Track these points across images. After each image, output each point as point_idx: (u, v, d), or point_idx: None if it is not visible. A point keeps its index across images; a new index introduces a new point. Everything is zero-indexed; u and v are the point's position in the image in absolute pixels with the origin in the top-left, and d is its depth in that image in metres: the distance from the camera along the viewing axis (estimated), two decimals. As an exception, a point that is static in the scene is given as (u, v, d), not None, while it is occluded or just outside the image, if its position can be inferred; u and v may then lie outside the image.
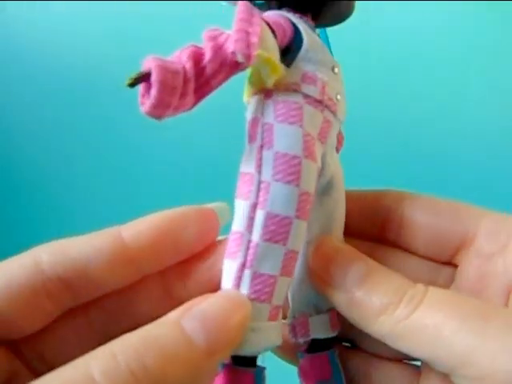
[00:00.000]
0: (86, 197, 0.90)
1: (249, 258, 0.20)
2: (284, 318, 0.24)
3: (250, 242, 0.20)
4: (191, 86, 0.18)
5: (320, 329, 0.24)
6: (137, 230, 0.21)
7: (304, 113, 0.21)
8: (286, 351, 0.27)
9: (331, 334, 0.24)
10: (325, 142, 0.23)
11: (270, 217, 0.20)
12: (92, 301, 0.21)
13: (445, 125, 0.80)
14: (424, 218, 0.25)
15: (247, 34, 0.19)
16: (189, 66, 0.18)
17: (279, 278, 0.21)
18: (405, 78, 0.70)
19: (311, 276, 0.23)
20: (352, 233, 0.26)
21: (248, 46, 0.18)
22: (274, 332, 0.21)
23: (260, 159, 0.20)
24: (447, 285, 0.25)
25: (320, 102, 0.22)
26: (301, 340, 0.24)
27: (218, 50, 0.19)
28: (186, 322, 0.17)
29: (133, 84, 0.18)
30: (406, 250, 0.26)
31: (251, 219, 0.20)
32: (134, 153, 0.86)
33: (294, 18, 0.22)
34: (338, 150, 0.25)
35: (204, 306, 0.18)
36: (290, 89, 0.21)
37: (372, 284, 0.22)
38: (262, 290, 0.20)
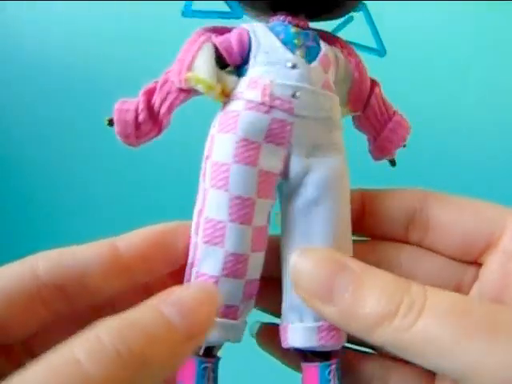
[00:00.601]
0: (83, 198, 0.90)
1: (195, 259, 0.23)
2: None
3: (196, 244, 0.23)
4: (143, 116, 0.23)
5: (300, 338, 0.23)
6: (131, 241, 0.23)
7: (239, 120, 0.22)
8: (286, 357, 0.27)
9: (316, 346, 0.23)
10: (283, 144, 0.23)
11: (207, 221, 0.23)
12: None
13: (445, 124, 0.79)
14: (450, 219, 0.25)
15: (182, 62, 0.23)
16: (141, 100, 0.23)
17: (221, 278, 0.23)
18: (405, 77, 0.70)
19: (295, 291, 0.23)
20: (376, 234, 0.26)
21: (179, 72, 0.23)
22: (218, 329, 0.23)
23: (204, 168, 0.23)
24: (471, 284, 0.25)
25: (263, 104, 0.22)
26: (284, 346, 0.24)
27: (163, 82, 0.23)
28: (164, 307, 0.18)
29: (109, 124, 0.23)
30: (431, 250, 0.26)
31: (198, 224, 0.23)
32: (134, 155, 0.87)
33: (261, 25, 0.24)
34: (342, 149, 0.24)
35: (179, 293, 0.19)
36: (236, 98, 0.23)
37: (361, 294, 0.21)
38: None
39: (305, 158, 0.23)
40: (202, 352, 0.23)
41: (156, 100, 0.23)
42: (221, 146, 0.23)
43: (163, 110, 0.23)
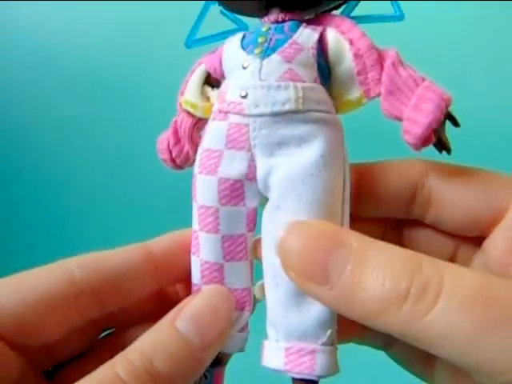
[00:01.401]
0: (85, 194, 0.87)
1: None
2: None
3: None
4: (172, 142, 0.26)
5: (271, 359, 0.21)
6: (164, 245, 0.25)
7: (207, 132, 0.23)
8: None
9: (283, 370, 0.21)
10: (245, 148, 0.22)
11: (192, 232, 0.23)
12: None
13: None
14: (454, 194, 0.22)
15: (181, 90, 0.25)
16: (171, 128, 0.26)
17: (202, 286, 0.23)
18: None
19: (287, 272, 0.20)
20: (376, 211, 0.24)
21: (179, 98, 0.25)
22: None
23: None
24: (469, 258, 0.23)
25: (220, 111, 0.22)
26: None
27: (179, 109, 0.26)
28: (179, 323, 0.21)
29: None
30: (432, 226, 0.24)
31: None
32: (135, 155, 0.80)
33: (239, 34, 0.23)
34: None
35: (193, 305, 0.21)
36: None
37: (364, 272, 0.17)
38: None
39: (268, 158, 0.22)
40: None
41: (178, 126, 0.26)
42: (197, 159, 0.24)
43: (182, 133, 0.26)
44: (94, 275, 0.23)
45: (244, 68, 0.22)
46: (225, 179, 0.22)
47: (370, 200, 0.23)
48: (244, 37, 0.23)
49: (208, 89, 0.25)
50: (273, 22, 0.23)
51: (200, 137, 0.27)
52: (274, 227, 0.21)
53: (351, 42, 0.22)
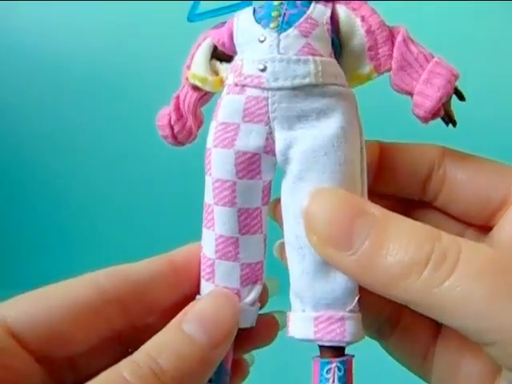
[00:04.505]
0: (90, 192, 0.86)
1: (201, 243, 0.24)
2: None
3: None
4: (174, 118, 0.26)
5: (299, 329, 0.22)
6: (187, 256, 0.25)
7: (220, 106, 0.23)
8: None
9: (313, 339, 0.21)
10: (264, 120, 0.22)
11: (204, 206, 0.24)
12: None
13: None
14: (466, 176, 0.24)
15: (187, 64, 0.25)
16: (172, 103, 0.26)
17: (216, 260, 0.23)
18: None
19: (309, 237, 0.20)
20: (392, 189, 0.25)
21: (184, 73, 0.25)
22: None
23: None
24: None
25: (236, 84, 0.22)
26: (287, 335, 0.23)
27: (183, 84, 0.26)
28: (186, 325, 0.21)
29: None
30: (441, 210, 0.25)
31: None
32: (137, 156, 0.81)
33: (249, 9, 0.23)
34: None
35: (198, 306, 0.22)
36: (224, 85, 0.23)
37: (387, 238, 0.18)
38: (205, 270, 0.24)
39: (288, 131, 0.22)
40: None
41: (181, 101, 0.26)
42: (209, 133, 0.23)
43: (186, 109, 0.26)
44: (120, 285, 0.23)
45: (260, 42, 0.22)
46: (242, 152, 0.22)
47: (387, 176, 0.24)
48: (255, 11, 0.23)
49: (216, 62, 0.25)
50: None
51: (202, 112, 0.27)
52: (297, 198, 0.21)
53: (363, 19, 0.22)
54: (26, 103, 0.86)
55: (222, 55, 0.25)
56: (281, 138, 0.22)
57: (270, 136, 0.22)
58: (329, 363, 0.21)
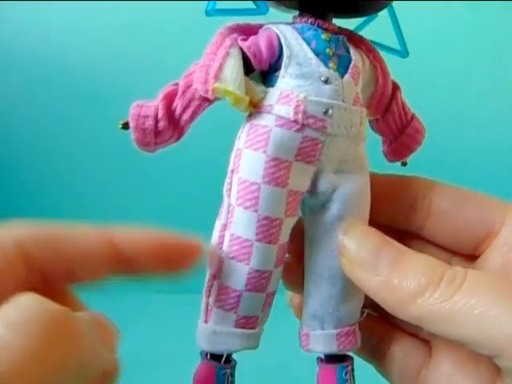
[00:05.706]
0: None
1: (218, 271, 0.23)
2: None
3: (220, 258, 0.23)
4: (164, 123, 0.22)
5: (321, 344, 0.24)
6: (132, 242, 0.21)
7: (271, 137, 0.21)
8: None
9: (336, 351, 0.24)
10: (313, 162, 0.22)
11: (233, 238, 0.22)
12: None
13: (446, 123, 0.82)
14: (452, 207, 0.25)
15: (208, 68, 0.21)
16: (161, 106, 0.22)
17: (244, 292, 0.23)
18: (406, 76, 0.71)
19: (341, 261, 0.23)
20: (375, 220, 0.25)
21: (206, 81, 0.21)
22: (238, 338, 0.23)
23: (230, 183, 0.22)
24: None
25: (295, 121, 0.21)
26: (305, 350, 0.25)
27: (186, 88, 0.22)
28: None
29: (123, 128, 0.22)
30: (428, 240, 0.26)
31: (222, 237, 0.23)
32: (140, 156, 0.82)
33: (290, 29, 0.22)
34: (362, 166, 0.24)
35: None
36: (265, 111, 0.22)
37: (407, 264, 0.21)
38: (226, 301, 0.23)
39: (333, 174, 0.23)
40: (223, 361, 0.23)
41: (177, 106, 0.22)
42: (250, 163, 0.22)
43: (185, 117, 0.22)
44: (47, 256, 0.19)
45: (324, 82, 0.22)
46: (294, 192, 0.22)
47: (377, 205, 0.25)
48: (302, 32, 0.22)
49: (249, 81, 0.22)
50: (330, 31, 0.23)
51: None
52: (336, 234, 0.23)
53: (381, 71, 0.25)
54: (26, 103, 0.88)
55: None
56: (327, 179, 0.23)
57: (313, 176, 0.23)
58: (345, 367, 0.25)
